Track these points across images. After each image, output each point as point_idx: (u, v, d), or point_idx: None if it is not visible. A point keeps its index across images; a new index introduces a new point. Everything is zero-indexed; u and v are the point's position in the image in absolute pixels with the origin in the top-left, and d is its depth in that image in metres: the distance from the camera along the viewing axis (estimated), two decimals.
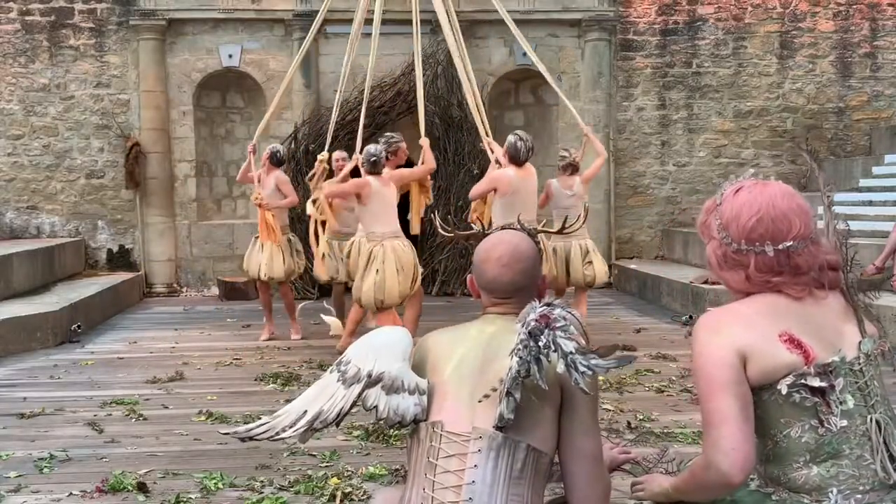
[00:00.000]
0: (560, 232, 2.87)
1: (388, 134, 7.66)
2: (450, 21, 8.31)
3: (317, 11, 10.77)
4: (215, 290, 11.13)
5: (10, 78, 11.02)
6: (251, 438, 2.20)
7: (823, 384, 1.83)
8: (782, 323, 1.86)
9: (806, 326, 1.87)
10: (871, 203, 9.42)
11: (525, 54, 11.10)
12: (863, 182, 10.29)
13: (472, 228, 2.45)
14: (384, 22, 8.70)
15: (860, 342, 1.91)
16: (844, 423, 1.85)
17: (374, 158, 6.66)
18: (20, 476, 4.12)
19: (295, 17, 11.05)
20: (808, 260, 1.89)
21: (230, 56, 11.23)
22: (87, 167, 11.21)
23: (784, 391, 1.83)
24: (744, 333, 1.85)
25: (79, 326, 8.07)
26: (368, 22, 8.46)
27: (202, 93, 11.43)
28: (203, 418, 5.17)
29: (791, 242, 1.87)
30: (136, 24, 10.97)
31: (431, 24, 10.57)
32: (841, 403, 1.85)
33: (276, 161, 7.96)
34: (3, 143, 11.09)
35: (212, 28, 11.22)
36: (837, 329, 1.92)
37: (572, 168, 7.51)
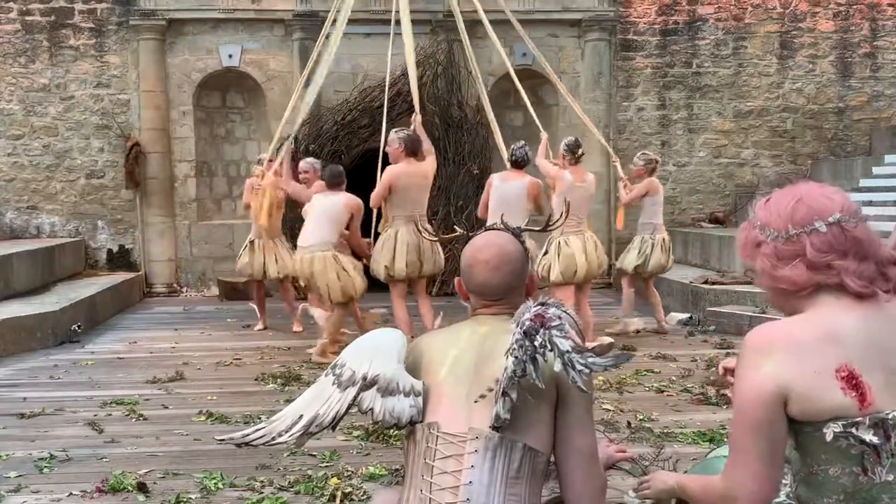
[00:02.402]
0: (544, 229, 2.89)
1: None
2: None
3: (317, 11, 10.82)
4: (215, 290, 11.13)
5: (10, 78, 11.02)
6: (247, 444, 2.20)
7: (876, 440, 1.67)
8: (845, 352, 1.69)
9: (870, 354, 1.70)
10: (871, 203, 9.41)
11: (525, 54, 11.13)
12: (863, 182, 10.29)
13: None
14: (384, 22, 8.70)
15: None
16: (891, 477, 1.70)
17: (336, 179, 7.14)
18: (20, 476, 4.12)
19: (295, 17, 11.05)
20: (866, 232, 1.77)
21: (230, 56, 11.23)
22: (87, 167, 11.21)
23: (829, 437, 1.69)
24: (792, 366, 1.69)
25: (79, 326, 8.07)
26: (372, 22, 8.48)
27: (202, 93, 11.43)
28: (203, 418, 5.18)
29: (840, 214, 1.76)
30: (136, 24, 10.97)
31: (431, 24, 10.58)
32: (893, 456, 1.69)
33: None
34: (3, 143, 11.09)
35: (212, 28, 11.21)
36: None
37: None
